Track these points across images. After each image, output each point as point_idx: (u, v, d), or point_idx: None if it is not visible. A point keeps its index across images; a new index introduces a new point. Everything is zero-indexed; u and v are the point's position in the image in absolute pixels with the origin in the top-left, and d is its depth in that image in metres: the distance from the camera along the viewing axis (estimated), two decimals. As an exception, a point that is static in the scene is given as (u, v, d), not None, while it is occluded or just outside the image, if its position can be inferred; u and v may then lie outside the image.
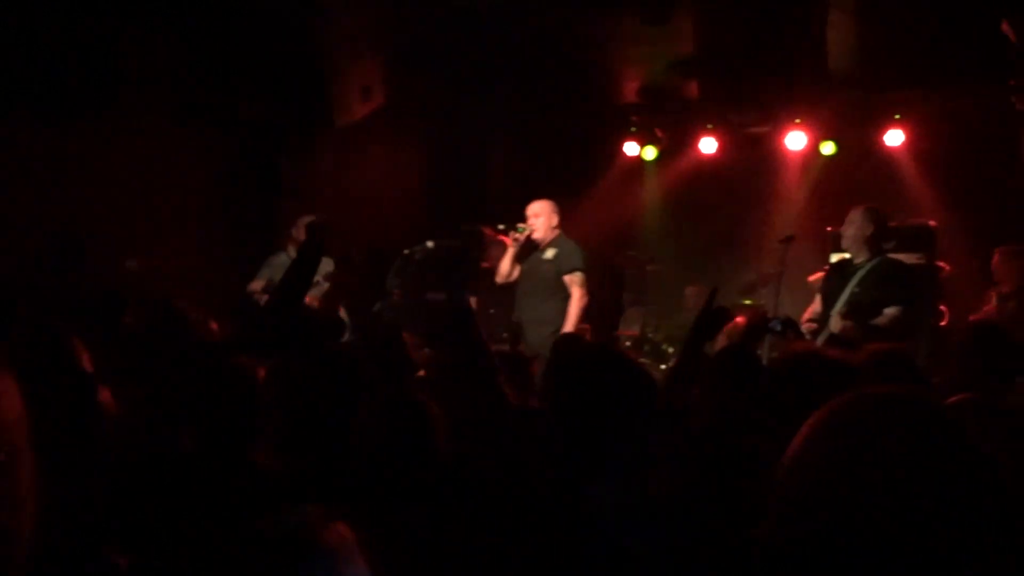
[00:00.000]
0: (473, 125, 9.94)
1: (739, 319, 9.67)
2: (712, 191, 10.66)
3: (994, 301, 7.52)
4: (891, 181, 9.73)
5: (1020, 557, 0.95)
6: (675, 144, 10.62)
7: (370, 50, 7.71)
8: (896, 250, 7.83)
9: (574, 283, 7.28)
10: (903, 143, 9.53)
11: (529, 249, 7.48)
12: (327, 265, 7.79)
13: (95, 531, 1.88)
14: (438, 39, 8.14)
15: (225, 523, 1.74)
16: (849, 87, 9.32)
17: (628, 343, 9.53)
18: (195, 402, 2.50)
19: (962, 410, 3.33)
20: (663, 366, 8.78)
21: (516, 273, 7.54)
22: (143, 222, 8.05)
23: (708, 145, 10.36)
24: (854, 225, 6.53)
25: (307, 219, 8.21)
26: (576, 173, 10.69)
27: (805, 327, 6.67)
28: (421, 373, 4.20)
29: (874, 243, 6.55)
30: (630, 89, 10.28)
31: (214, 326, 5.14)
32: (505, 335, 7.47)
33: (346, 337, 6.06)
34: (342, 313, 7.54)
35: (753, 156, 10.42)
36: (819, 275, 6.92)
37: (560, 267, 7.30)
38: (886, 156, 9.73)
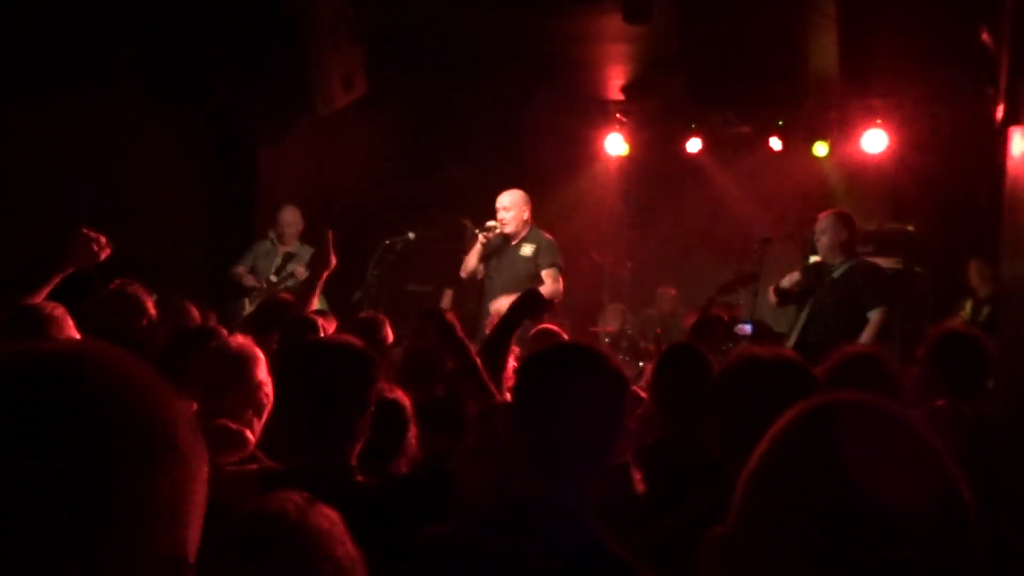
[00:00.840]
0: (452, 116, 9.93)
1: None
2: (692, 190, 10.70)
3: (968, 308, 7.59)
4: (871, 185, 9.79)
5: (984, 566, 0.96)
6: (656, 142, 10.65)
7: (352, 38, 7.67)
8: (874, 254, 7.91)
9: (550, 276, 7.23)
10: (883, 148, 9.59)
11: (498, 242, 7.30)
12: (305, 254, 7.82)
13: None
14: (420, 29, 8.13)
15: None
16: (830, 91, 9.36)
17: (607, 339, 9.57)
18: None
19: (934, 417, 3.37)
20: (640, 363, 8.82)
21: (481, 268, 7.39)
22: (119, 208, 8.00)
23: (692, 144, 10.39)
24: (828, 232, 6.59)
25: (289, 208, 8.27)
26: (557, 168, 10.70)
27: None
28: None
29: (849, 247, 6.62)
30: (613, 86, 10.29)
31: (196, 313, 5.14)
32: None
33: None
34: (318, 303, 7.54)
35: (733, 156, 10.46)
36: (791, 278, 6.95)
37: (540, 263, 7.23)
38: (866, 161, 9.78)
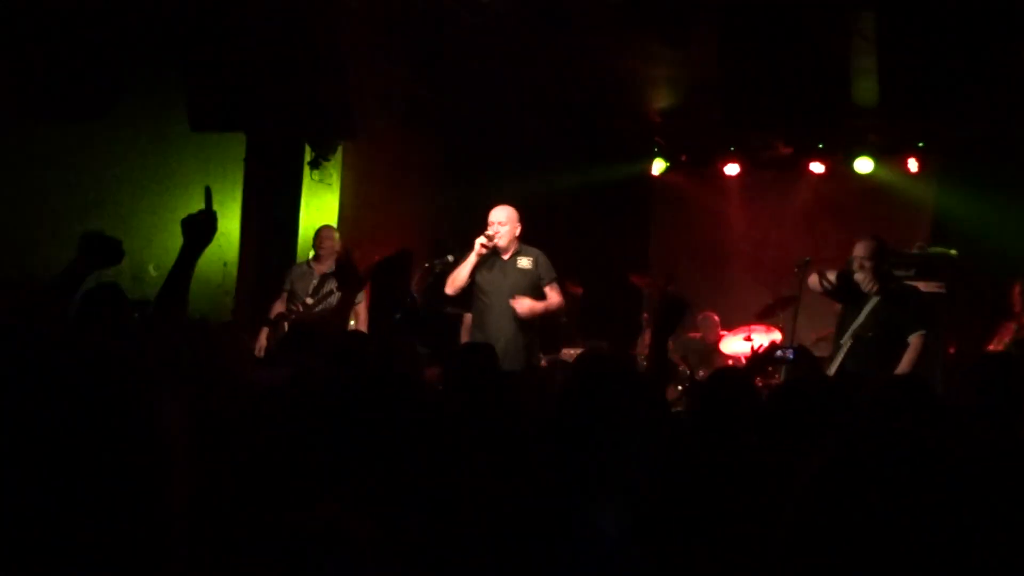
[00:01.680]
0: (492, 137, 9.97)
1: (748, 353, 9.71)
2: (732, 213, 10.68)
3: (1012, 332, 7.49)
4: (912, 208, 9.72)
5: None
6: (697, 165, 10.64)
7: (391, 61, 7.76)
8: (915, 278, 7.83)
9: (554, 290, 7.18)
10: (925, 170, 9.51)
11: (489, 257, 7.12)
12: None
13: None
14: (461, 54, 8.19)
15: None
16: (872, 113, 9.32)
17: (645, 362, 9.52)
18: None
19: (986, 443, 3.33)
20: (679, 387, 8.78)
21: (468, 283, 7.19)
22: (161, 228, 8.13)
23: (730, 168, 10.38)
24: (872, 261, 6.50)
25: (325, 226, 8.30)
26: (598, 191, 10.72)
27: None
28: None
29: (886, 274, 6.57)
30: (653, 110, 10.31)
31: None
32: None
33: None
34: (357, 324, 7.59)
35: (774, 179, 10.43)
36: (815, 275, 6.82)
37: (541, 276, 7.16)
38: (908, 183, 9.71)
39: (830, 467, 1.01)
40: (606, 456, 2.04)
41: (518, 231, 7.19)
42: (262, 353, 7.16)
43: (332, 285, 7.81)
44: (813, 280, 6.79)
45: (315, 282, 7.92)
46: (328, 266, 7.92)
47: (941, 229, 9.52)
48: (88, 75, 7.29)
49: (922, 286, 7.39)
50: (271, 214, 8.96)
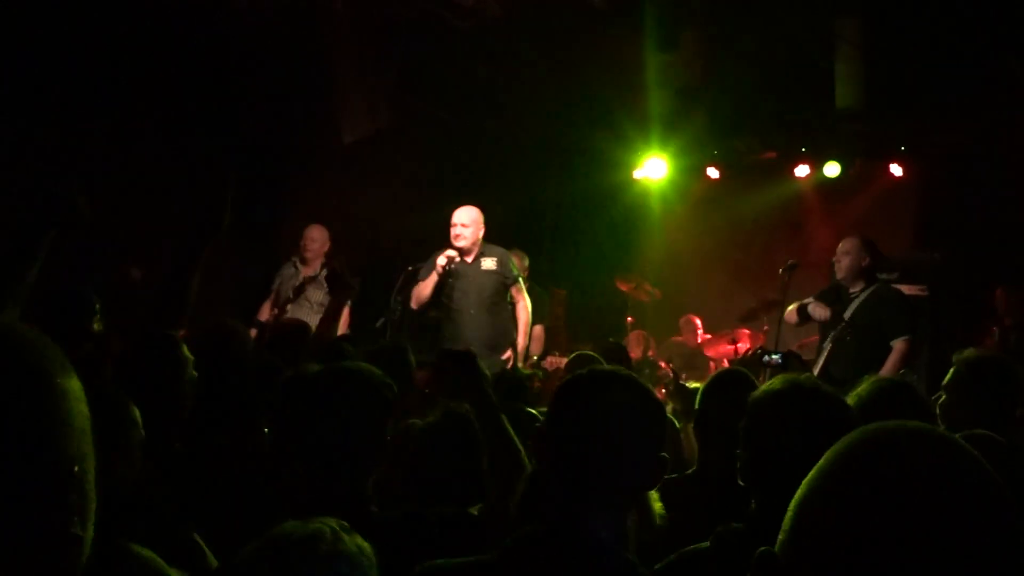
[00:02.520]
0: (478, 144, 9.96)
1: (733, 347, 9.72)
2: (716, 217, 10.70)
3: (996, 335, 7.53)
4: (896, 212, 9.76)
5: None
6: (680, 170, 10.65)
7: (379, 69, 7.75)
8: (899, 281, 7.85)
9: (520, 291, 7.16)
10: (908, 175, 9.55)
11: (455, 265, 7.02)
12: (324, 280, 7.64)
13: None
14: (448, 60, 8.19)
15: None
16: (855, 118, 9.36)
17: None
18: None
19: (978, 445, 3.33)
20: (663, 389, 8.78)
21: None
22: (146, 231, 8.06)
23: (711, 172, 10.41)
24: (850, 256, 6.54)
25: (315, 225, 8.12)
26: (582, 196, 10.72)
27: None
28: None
29: (870, 273, 6.58)
30: (638, 114, 10.32)
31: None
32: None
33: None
34: (343, 330, 7.51)
35: (758, 183, 10.45)
36: (793, 308, 6.87)
37: (505, 277, 7.13)
38: (891, 187, 9.75)
39: (829, 467, 1.00)
40: (598, 463, 2.01)
41: (482, 232, 7.14)
42: None
43: (317, 293, 7.60)
44: (790, 315, 6.82)
45: (296, 284, 7.72)
46: (314, 269, 7.75)
47: (925, 233, 9.56)
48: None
49: (906, 289, 7.42)
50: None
